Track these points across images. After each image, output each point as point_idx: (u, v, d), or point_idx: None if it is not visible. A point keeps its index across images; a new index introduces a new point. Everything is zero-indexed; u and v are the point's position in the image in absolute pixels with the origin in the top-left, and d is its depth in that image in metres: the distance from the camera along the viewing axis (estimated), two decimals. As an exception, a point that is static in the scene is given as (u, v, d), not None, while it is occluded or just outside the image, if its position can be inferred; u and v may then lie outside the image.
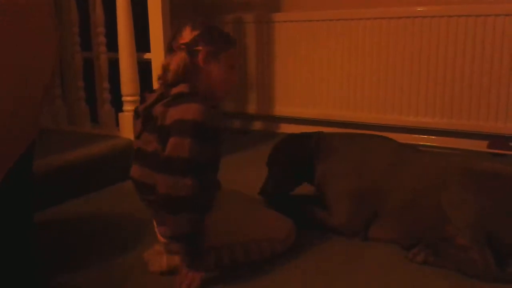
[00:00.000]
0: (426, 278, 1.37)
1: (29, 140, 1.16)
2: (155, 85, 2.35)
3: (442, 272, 1.38)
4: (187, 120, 1.26)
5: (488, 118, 2.56)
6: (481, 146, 2.60)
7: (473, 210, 1.38)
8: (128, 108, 2.33)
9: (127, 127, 2.33)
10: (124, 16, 2.26)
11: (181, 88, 1.34)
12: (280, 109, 3.15)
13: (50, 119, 2.67)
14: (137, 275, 1.41)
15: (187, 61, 1.38)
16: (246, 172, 2.25)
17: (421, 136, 2.77)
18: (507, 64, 2.49)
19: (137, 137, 1.41)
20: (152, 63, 2.37)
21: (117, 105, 2.44)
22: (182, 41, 1.40)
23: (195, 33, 1.40)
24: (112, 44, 2.41)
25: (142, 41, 2.38)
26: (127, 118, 2.33)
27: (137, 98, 2.34)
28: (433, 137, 2.76)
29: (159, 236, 1.43)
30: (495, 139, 2.56)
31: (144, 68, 2.38)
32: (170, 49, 1.42)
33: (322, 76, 2.97)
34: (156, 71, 2.36)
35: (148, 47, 2.38)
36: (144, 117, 1.38)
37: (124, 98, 2.34)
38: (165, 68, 1.40)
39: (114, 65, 2.42)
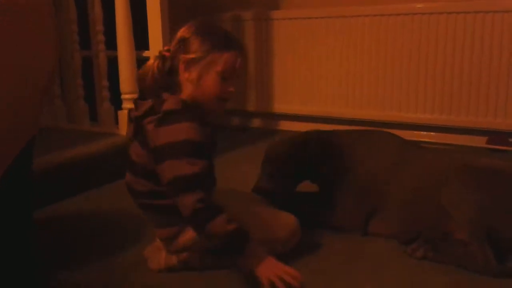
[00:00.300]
0: (425, 273, 1.37)
1: (29, 138, 1.16)
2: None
3: (441, 267, 1.39)
4: (180, 142, 1.25)
5: (487, 114, 2.57)
6: (480, 142, 2.61)
7: (473, 206, 1.39)
8: (127, 106, 2.33)
9: (126, 125, 2.33)
10: (123, 14, 2.26)
11: (171, 104, 1.30)
12: (279, 106, 3.15)
13: (50, 117, 2.67)
14: (137, 273, 1.41)
15: (157, 70, 1.34)
16: (245, 169, 2.25)
17: (420, 132, 2.77)
18: (506, 61, 2.49)
19: (130, 140, 1.42)
20: (151, 61, 2.37)
21: (116, 103, 2.44)
22: (166, 47, 1.37)
23: (181, 36, 1.34)
24: (111, 42, 2.41)
25: (141, 39, 2.38)
26: (126, 116, 2.33)
27: (136, 96, 2.33)
28: (432, 133, 2.76)
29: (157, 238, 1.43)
30: (495, 135, 2.57)
31: (143, 66, 2.38)
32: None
33: (321, 73, 2.97)
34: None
35: (147, 44, 2.38)
36: (135, 126, 1.37)
37: (123, 96, 2.34)
38: (140, 77, 1.38)
39: (113, 63, 2.42)
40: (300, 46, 3.00)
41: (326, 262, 1.44)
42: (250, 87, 3.23)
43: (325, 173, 1.70)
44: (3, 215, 1.19)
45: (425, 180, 1.53)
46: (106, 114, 2.57)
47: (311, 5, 3.01)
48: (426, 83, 2.69)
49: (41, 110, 1.21)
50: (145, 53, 2.40)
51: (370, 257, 1.47)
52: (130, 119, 1.42)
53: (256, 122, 3.31)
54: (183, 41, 1.34)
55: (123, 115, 2.35)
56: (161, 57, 1.36)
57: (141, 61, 2.36)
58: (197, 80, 1.33)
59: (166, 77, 1.35)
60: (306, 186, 1.82)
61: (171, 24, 2.37)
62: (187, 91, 1.35)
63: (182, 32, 1.36)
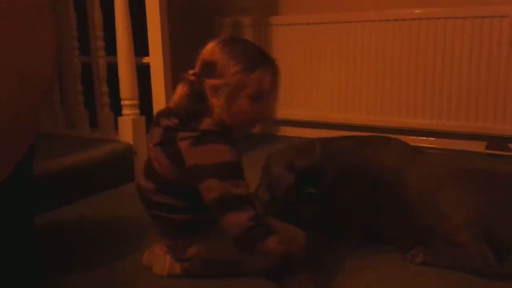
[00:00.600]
0: (427, 278, 1.37)
1: (29, 142, 1.16)
2: (154, 89, 2.37)
3: (442, 272, 1.38)
4: (222, 163, 1.22)
5: (486, 119, 2.57)
6: (479, 147, 2.61)
7: (470, 208, 1.40)
8: (127, 112, 2.34)
9: (126, 131, 2.33)
10: (123, 20, 2.27)
11: (209, 125, 1.26)
12: (279, 112, 3.15)
13: (49, 123, 2.67)
14: (137, 279, 1.41)
15: (188, 95, 1.29)
16: (245, 175, 2.24)
17: (420, 137, 2.77)
18: (504, 66, 2.49)
19: (153, 145, 1.35)
20: (150, 67, 2.38)
21: (116, 109, 2.44)
22: (191, 71, 1.31)
23: (204, 59, 1.29)
24: (111, 48, 2.41)
25: (140, 45, 2.38)
26: (126, 122, 2.33)
27: (136, 102, 2.34)
28: (431, 138, 2.76)
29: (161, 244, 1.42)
30: (494, 141, 2.57)
31: (142, 72, 2.39)
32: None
33: (320, 78, 2.98)
34: (154, 74, 2.37)
35: (146, 51, 2.38)
36: (165, 136, 1.31)
37: (123, 102, 2.34)
38: (174, 102, 1.33)
39: (112, 69, 2.42)
40: (299, 51, 3.01)
41: (325, 269, 1.44)
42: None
43: (330, 179, 1.70)
44: (5, 219, 1.19)
45: (421, 183, 1.53)
46: (106, 120, 2.57)
47: (310, 10, 3.02)
48: (425, 88, 2.69)
49: (40, 112, 1.21)
50: (145, 59, 2.40)
51: (371, 265, 1.46)
52: (157, 124, 1.35)
53: (256, 128, 3.30)
54: (207, 65, 1.28)
55: (123, 121, 2.35)
56: (188, 82, 1.31)
57: (140, 67, 2.37)
58: (226, 105, 1.26)
59: (197, 102, 1.30)
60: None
61: (170, 30, 2.38)
62: (218, 115, 1.28)
63: (205, 53, 1.30)
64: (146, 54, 2.38)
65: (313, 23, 2.94)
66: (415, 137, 2.77)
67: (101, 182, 2.18)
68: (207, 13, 3.29)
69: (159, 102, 2.35)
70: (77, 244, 1.67)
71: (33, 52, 1.09)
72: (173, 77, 2.35)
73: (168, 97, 2.33)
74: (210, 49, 1.29)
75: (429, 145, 2.73)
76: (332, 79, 2.94)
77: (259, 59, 1.29)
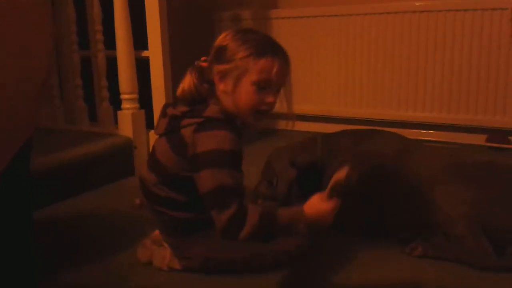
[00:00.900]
0: (425, 271, 1.37)
1: (26, 136, 1.16)
2: (153, 82, 2.37)
3: (440, 264, 1.39)
4: (223, 150, 1.22)
5: (486, 112, 2.57)
6: (480, 140, 2.61)
7: (468, 201, 1.40)
8: (127, 106, 2.33)
9: (125, 125, 2.33)
10: (122, 14, 2.26)
11: (213, 112, 1.26)
12: (279, 106, 3.14)
13: (49, 117, 2.67)
14: (136, 274, 1.41)
15: (196, 82, 1.30)
16: (244, 168, 2.24)
17: (420, 130, 2.77)
18: (505, 58, 2.49)
19: (159, 135, 1.36)
20: (150, 61, 2.37)
21: (116, 103, 2.44)
22: (203, 58, 1.32)
23: (216, 45, 1.30)
24: (110, 42, 2.41)
25: (140, 39, 2.38)
26: (125, 116, 2.33)
27: (135, 96, 2.34)
28: (432, 131, 2.76)
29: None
30: (494, 133, 2.57)
31: (142, 66, 2.38)
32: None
33: (320, 72, 2.97)
34: (154, 68, 2.36)
35: (146, 44, 2.38)
36: (170, 125, 1.32)
37: (122, 96, 2.34)
38: (182, 89, 1.33)
39: (112, 63, 2.42)
40: (300, 45, 3.00)
41: (325, 262, 1.44)
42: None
43: (330, 175, 1.70)
44: (3, 216, 1.19)
45: (419, 176, 1.53)
46: (106, 115, 2.57)
47: (310, 4, 3.01)
48: (425, 81, 2.68)
49: (38, 106, 1.21)
50: (144, 53, 2.39)
51: (369, 257, 1.46)
52: (163, 115, 1.36)
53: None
54: (218, 50, 1.29)
55: (122, 116, 2.35)
56: (198, 68, 1.31)
57: (140, 61, 2.36)
58: (232, 91, 1.26)
59: (206, 89, 1.31)
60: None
61: (169, 24, 2.37)
62: (224, 102, 1.28)
63: (218, 40, 1.30)
64: (146, 47, 2.38)
65: (313, 17, 2.93)
66: (415, 130, 2.77)
67: (101, 176, 2.18)
68: (207, 7, 3.28)
69: (158, 96, 2.35)
70: (76, 239, 1.67)
71: (30, 43, 1.09)
72: (173, 70, 2.34)
73: (167, 90, 2.33)
74: (223, 36, 1.31)
75: (430, 138, 2.73)
76: (332, 73, 2.93)
77: (268, 47, 1.30)
